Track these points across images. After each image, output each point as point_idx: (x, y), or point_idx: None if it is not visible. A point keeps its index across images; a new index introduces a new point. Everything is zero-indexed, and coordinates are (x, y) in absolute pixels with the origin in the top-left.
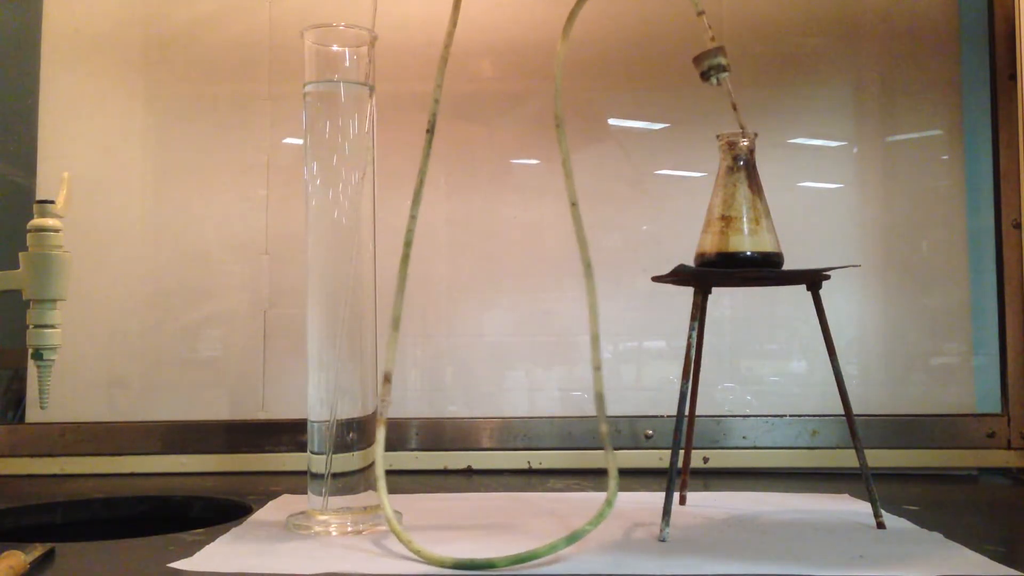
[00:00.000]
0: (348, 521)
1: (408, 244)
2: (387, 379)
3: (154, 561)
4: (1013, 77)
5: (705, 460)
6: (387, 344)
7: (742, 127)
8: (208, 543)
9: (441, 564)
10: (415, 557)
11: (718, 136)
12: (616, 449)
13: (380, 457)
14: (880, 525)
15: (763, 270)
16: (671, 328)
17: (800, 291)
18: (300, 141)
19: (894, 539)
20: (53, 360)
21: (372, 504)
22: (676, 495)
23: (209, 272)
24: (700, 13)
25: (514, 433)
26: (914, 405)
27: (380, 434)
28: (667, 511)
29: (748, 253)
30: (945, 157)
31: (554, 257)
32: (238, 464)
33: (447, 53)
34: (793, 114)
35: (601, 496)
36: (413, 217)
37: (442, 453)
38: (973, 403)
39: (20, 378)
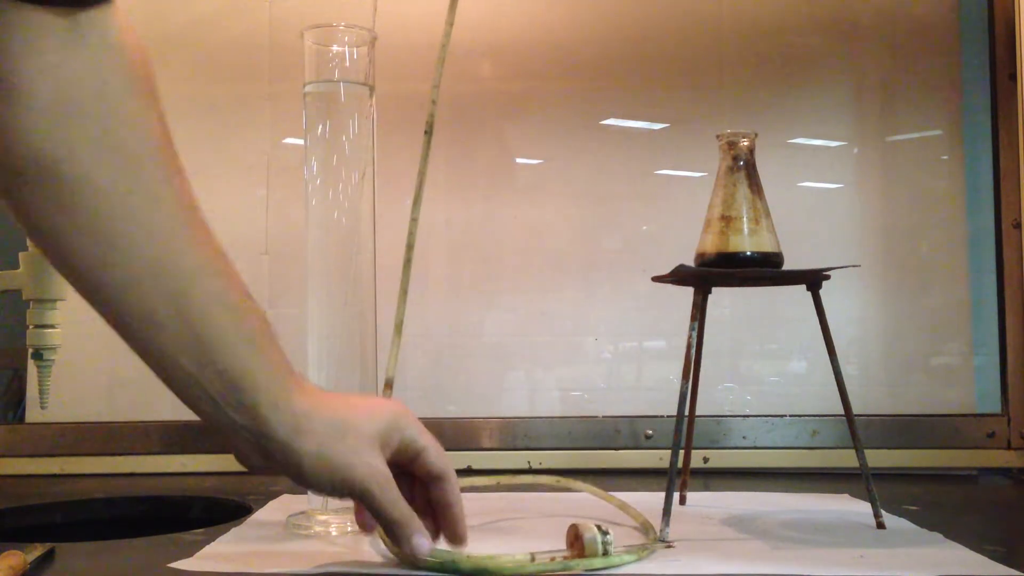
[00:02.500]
0: (348, 521)
1: (410, 247)
2: (388, 385)
3: (154, 561)
4: (1013, 77)
5: (705, 460)
6: (390, 350)
7: None
8: (208, 543)
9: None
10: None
11: (718, 136)
12: (616, 449)
13: None
14: (880, 525)
15: (763, 270)
16: (671, 328)
17: (800, 291)
18: (300, 141)
19: (894, 539)
20: (53, 360)
21: None
22: (676, 495)
23: None
24: None
25: (514, 433)
26: (914, 405)
27: None
28: (667, 511)
29: (748, 253)
30: (945, 157)
31: (554, 257)
32: (238, 464)
33: (444, 54)
34: (793, 114)
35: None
36: (414, 220)
37: None
38: (973, 403)
39: (20, 378)
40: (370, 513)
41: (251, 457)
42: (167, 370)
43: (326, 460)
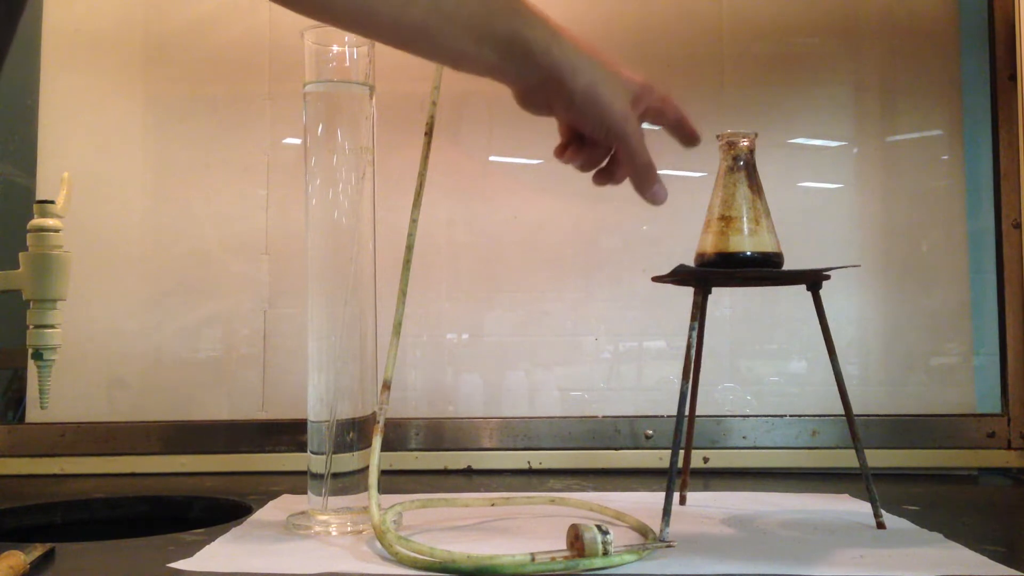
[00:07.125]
0: (348, 521)
1: (409, 248)
2: (386, 386)
3: (154, 561)
4: (1013, 77)
5: (705, 460)
6: (388, 351)
7: None
8: (208, 543)
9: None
10: (415, 556)
11: (718, 136)
12: (616, 449)
13: (375, 466)
14: (880, 525)
15: (763, 270)
16: (671, 328)
17: (800, 291)
18: (300, 141)
19: (894, 539)
20: (53, 360)
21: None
22: (676, 495)
23: (209, 272)
24: None
25: (514, 433)
26: (914, 405)
27: (376, 442)
28: (667, 511)
29: (748, 253)
30: (945, 157)
31: (554, 257)
32: (238, 464)
33: None
34: (793, 114)
35: (601, 495)
36: (414, 221)
37: (442, 453)
38: (973, 403)
39: (20, 378)
40: (623, 157)
41: (534, 98)
42: (457, 61)
43: (593, 97)
